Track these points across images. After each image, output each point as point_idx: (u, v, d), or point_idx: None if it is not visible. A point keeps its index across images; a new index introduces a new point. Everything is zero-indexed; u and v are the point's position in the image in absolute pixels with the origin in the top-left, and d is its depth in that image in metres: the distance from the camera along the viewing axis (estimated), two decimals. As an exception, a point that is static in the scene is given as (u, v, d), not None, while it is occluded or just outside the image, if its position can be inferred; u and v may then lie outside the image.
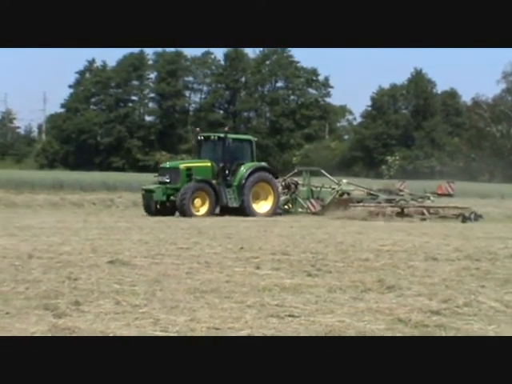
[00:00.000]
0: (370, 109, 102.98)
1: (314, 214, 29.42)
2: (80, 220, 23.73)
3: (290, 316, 8.64)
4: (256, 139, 31.37)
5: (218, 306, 9.14)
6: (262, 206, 29.39)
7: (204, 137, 30.31)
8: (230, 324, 8.07)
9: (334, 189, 31.21)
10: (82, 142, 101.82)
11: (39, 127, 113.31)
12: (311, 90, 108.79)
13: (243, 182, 28.74)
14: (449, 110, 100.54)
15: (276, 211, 29.57)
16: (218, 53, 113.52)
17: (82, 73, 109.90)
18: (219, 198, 28.38)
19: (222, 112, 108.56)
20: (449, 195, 31.60)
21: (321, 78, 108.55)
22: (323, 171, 33.11)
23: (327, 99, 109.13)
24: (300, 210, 30.55)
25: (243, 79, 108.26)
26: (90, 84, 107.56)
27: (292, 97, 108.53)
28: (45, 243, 15.75)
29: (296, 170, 33.80)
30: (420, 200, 30.65)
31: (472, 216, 28.37)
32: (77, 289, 10.16)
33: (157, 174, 29.55)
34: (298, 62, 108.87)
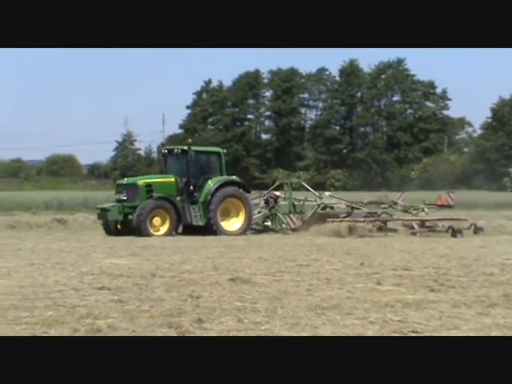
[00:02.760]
0: (490, 120, 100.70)
1: (294, 230, 27.13)
2: (199, 239, 24.04)
3: (413, 332, 8.48)
4: (225, 151, 28.48)
5: (339, 323, 9.05)
6: (233, 224, 26.81)
7: (168, 150, 27.66)
8: (353, 341, 7.97)
9: (317, 202, 29.08)
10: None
11: (159, 148, 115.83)
12: (428, 103, 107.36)
13: (209, 197, 26.16)
14: None
15: (248, 228, 27.04)
16: (333, 68, 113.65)
17: (198, 93, 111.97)
18: (182, 216, 25.88)
19: (338, 128, 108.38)
20: (449, 206, 29.43)
21: (438, 90, 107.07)
22: (304, 183, 30.95)
23: (445, 112, 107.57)
24: (284, 225, 27.88)
25: (359, 94, 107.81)
26: (206, 104, 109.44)
27: (409, 110, 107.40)
28: (167, 262, 16.01)
29: (278, 183, 31.23)
30: (414, 212, 28.61)
31: (464, 230, 25.91)
32: (199, 307, 10.26)
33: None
34: (414, 75, 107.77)
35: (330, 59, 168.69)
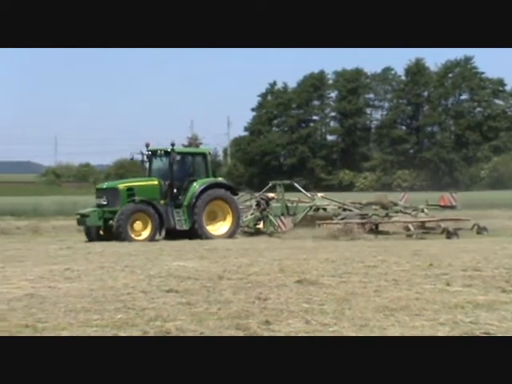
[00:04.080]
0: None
1: (285, 232, 26.07)
2: (264, 241, 24.01)
3: (485, 334, 8.34)
4: (211, 152, 27.23)
5: (408, 324, 8.96)
6: (220, 227, 25.91)
7: (152, 152, 26.45)
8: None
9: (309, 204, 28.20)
10: (265, 164, 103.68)
11: (224, 151, 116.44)
12: (498, 101, 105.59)
13: (194, 200, 25.27)
14: None
15: (236, 232, 26.06)
16: (399, 68, 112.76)
17: (263, 95, 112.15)
18: (164, 221, 25.00)
19: (404, 128, 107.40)
20: (451, 207, 28.50)
21: (508, 87, 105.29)
22: (296, 184, 29.59)
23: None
24: (274, 228, 26.97)
25: (425, 93, 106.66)
26: (271, 106, 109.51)
27: (478, 109, 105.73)
28: (234, 264, 16.06)
29: (270, 184, 30.18)
30: (414, 213, 27.59)
31: (460, 231, 25.18)
32: (266, 308, 10.26)
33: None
34: (482, 73, 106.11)
35: (396, 59, 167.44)
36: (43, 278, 14.09)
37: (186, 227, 25.30)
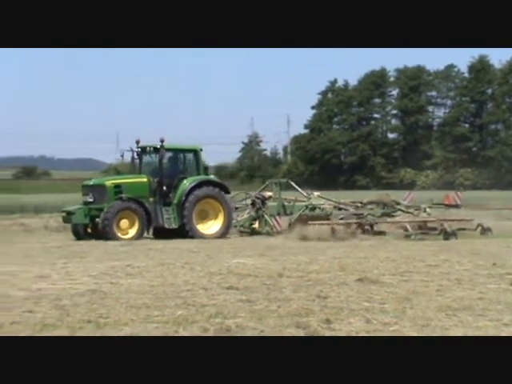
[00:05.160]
0: None
1: (280, 232, 24.99)
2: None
3: (550, 335, 8.18)
4: (202, 149, 25.98)
5: (471, 324, 8.84)
6: (212, 227, 25.01)
7: (141, 148, 25.59)
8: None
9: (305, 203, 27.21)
10: (326, 162, 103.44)
11: (284, 149, 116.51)
12: None
13: (183, 198, 24.47)
14: None
15: (228, 231, 25.22)
16: (462, 65, 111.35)
17: (324, 93, 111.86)
18: (152, 219, 24.27)
19: (467, 126, 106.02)
20: (456, 206, 27.31)
21: None
22: (292, 183, 28.46)
23: None
24: (269, 228, 26.00)
25: (489, 91, 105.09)
26: (332, 104, 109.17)
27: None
28: (293, 262, 16.04)
29: (267, 183, 29.29)
30: (416, 212, 26.45)
31: (457, 231, 24.16)
32: (327, 307, 10.22)
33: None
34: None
35: (459, 56, 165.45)
36: (105, 274, 14.27)
37: (174, 226, 24.59)
